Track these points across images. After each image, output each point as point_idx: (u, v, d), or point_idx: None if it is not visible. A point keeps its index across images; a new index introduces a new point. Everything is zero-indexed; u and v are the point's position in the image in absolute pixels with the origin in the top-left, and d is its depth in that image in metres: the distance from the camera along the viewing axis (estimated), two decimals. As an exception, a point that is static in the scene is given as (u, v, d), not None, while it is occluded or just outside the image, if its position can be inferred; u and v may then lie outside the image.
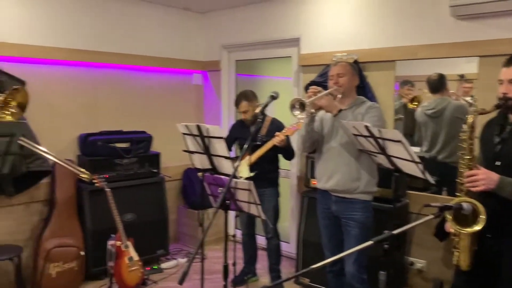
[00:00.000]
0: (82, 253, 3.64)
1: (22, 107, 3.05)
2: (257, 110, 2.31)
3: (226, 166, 2.78)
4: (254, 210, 2.68)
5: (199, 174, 2.88)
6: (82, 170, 2.76)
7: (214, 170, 2.86)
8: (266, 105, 2.35)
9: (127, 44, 4.27)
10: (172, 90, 4.76)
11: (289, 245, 4.42)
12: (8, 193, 3.42)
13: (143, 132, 4.27)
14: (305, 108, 2.37)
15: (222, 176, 2.74)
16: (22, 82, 3.41)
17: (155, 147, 4.30)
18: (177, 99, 4.81)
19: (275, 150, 3.34)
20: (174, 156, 4.70)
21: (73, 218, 3.73)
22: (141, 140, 4.12)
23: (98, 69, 4.11)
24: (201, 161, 2.95)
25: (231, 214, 4.78)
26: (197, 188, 4.66)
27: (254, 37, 4.49)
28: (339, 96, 2.60)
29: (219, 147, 2.71)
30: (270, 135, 3.38)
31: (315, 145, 2.76)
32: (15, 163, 2.25)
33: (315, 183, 2.89)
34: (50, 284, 3.49)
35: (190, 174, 4.79)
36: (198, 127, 2.77)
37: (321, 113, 2.70)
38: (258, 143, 3.41)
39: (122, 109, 4.32)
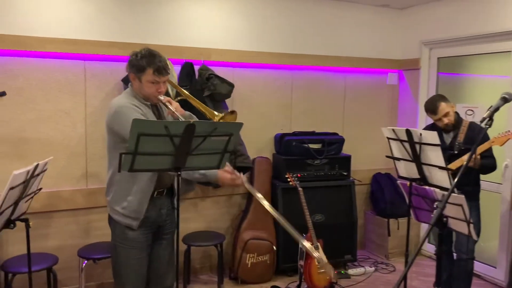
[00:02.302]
0: (274, 247, 3.81)
1: None
2: (485, 115, 1.97)
3: (440, 177, 2.47)
4: (462, 227, 2.35)
5: (407, 183, 2.64)
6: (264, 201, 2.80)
7: (422, 180, 2.59)
8: (497, 109, 1.99)
9: (323, 45, 4.28)
10: (365, 91, 4.60)
11: (495, 270, 3.80)
12: (214, 185, 3.79)
13: (335, 134, 4.24)
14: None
15: (427, 187, 2.47)
16: (231, 85, 3.72)
17: (345, 149, 4.21)
18: (370, 100, 4.63)
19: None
20: (364, 159, 4.56)
21: (267, 213, 3.88)
22: (333, 142, 4.09)
23: (295, 71, 4.23)
24: (407, 169, 2.72)
25: (425, 226, 4.41)
26: (387, 195, 4.42)
27: (461, 32, 4.00)
28: None
29: (434, 156, 2.43)
30: (468, 142, 2.93)
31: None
32: (229, 160, 2.48)
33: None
34: (245, 273, 3.74)
35: (379, 179, 4.57)
36: (408, 132, 2.55)
37: None
38: (455, 152, 3.00)
39: (315, 110, 4.37)
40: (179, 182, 2.46)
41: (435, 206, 2.21)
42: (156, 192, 2.46)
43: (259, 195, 2.58)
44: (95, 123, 3.41)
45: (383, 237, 4.41)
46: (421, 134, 2.48)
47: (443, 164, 2.42)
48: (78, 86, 3.40)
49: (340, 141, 4.15)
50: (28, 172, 2.09)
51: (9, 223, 2.20)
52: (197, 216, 3.90)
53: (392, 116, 4.76)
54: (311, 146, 3.99)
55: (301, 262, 3.54)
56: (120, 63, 3.38)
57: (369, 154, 4.62)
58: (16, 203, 2.16)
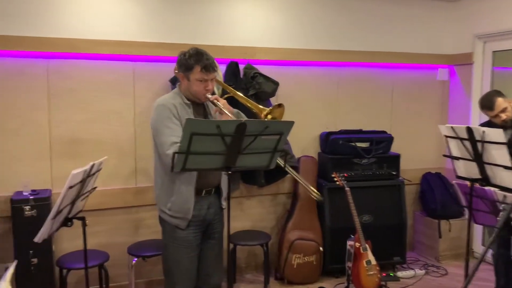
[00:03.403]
0: (321, 248, 3.74)
1: None
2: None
3: (506, 178, 2.31)
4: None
5: (467, 184, 2.51)
6: (313, 189, 2.74)
7: (484, 180, 2.45)
8: None
9: (370, 41, 4.17)
10: (414, 88, 4.44)
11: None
12: (259, 184, 3.77)
13: (383, 132, 4.12)
14: None
15: (486, 188, 2.34)
16: (276, 83, 3.69)
17: (394, 148, 4.08)
18: (419, 97, 4.47)
19: None
20: (413, 158, 4.41)
21: (313, 214, 3.87)
22: (381, 140, 3.97)
23: (341, 68, 4.14)
24: (466, 169, 2.58)
25: (478, 228, 4.21)
26: (438, 195, 4.25)
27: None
28: None
29: (498, 154, 2.28)
30: None
31: None
32: (279, 159, 2.45)
33: None
34: (291, 273, 3.70)
35: (429, 179, 4.40)
36: (469, 130, 2.42)
37: None
38: None
39: (362, 108, 4.26)
40: (229, 181, 2.48)
41: (501, 208, 2.08)
42: (204, 191, 2.47)
43: None
44: (144, 123, 3.47)
45: (433, 238, 4.24)
46: (484, 132, 2.34)
47: (509, 163, 2.27)
48: (127, 87, 3.47)
49: (389, 139, 4.02)
50: (85, 171, 2.15)
51: (67, 221, 2.27)
52: (242, 215, 3.90)
53: (442, 113, 4.57)
54: (359, 144, 3.89)
55: (349, 264, 3.46)
56: (167, 64, 3.43)
57: (418, 152, 4.46)
58: (73, 202, 2.22)
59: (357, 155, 3.89)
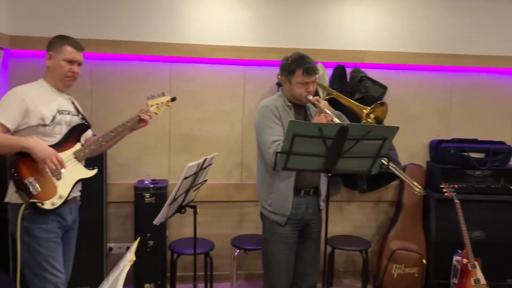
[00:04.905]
0: (424, 261, 3.58)
1: (378, 121, 3.22)
2: None
3: None
4: None
5: None
6: (415, 184, 2.62)
7: None
8: None
9: (488, 45, 3.84)
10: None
11: None
12: (361, 190, 3.74)
13: (502, 143, 3.78)
14: None
15: None
16: (383, 87, 3.62)
17: (515, 160, 3.73)
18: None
19: None
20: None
21: (418, 224, 3.71)
22: (498, 151, 3.65)
23: (455, 73, 3.91)
24: None
25: None
26: None
27: None
28: None
29: None
30: None
31: None
32: (381, 165, 2.42)
33: None
34: (391, 283, 3.59)
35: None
36: None
37: None
38: None
39: (477, 116, 3.96)
40: (329, 184, 2.53)
41: None
42: (302, 191, 2.56)
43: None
44: (251, 124, 3.64)
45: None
46: None
47: None
48: (238, 89, 3.70)
49: (508, 151, 3.68)
50: (198, 164, 2.38)
51: (181, 209, 2.54)
52: (341, 220, 3.89)
53: None
54: (472, 155, 3.63)
55: (454, 280, 3.27)
56: (276, 68, 3.56)
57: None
58: (187, 191, 2.47)
59: (470, 166, 3.63)
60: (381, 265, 3.65)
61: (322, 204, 2.67)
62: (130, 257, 1.35)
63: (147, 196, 3.36)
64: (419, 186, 2.62)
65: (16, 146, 2.08)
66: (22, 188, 2.05)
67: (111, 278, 1.31)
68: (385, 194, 3.90)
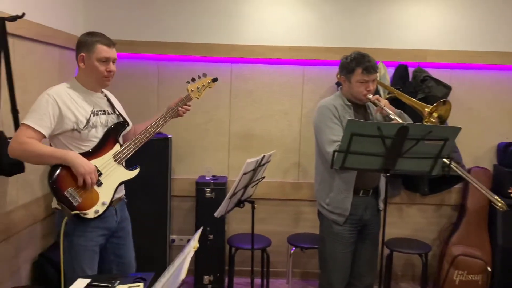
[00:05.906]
0: (489, 268, 3.42)
1: (441, 120, 3.13)
2: None
3: None
4: None
5: None
6: (497, 198, 2.40)
7: None
8: None
9: None
10: None
11: None
12: (422, 192, 3.64)
13: None
14: None
15: None
16: (447, 87, 3.50)
17: None
18: None
19: None
20: None
21: (482, 230, 3.55)
22: None
23: (529, 72, 3.69)
24: None
25: None
26: None
27: None
28: None
29: None
30: None
31: None
32: (443, 166, 2.35)
33: None
34: (452, 290, 3.48)
35: None
36: None
37: None
38: None
39: (553, 118, 3.72)
40: (387, 184, 2.50)
41: None
42: (361, 192, 2.55)
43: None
44: (309, 123, 3.68)
45: None
46: None
47: None
48: (296, 89, 3.74)
49: None
50: (257, 161, 2.46)
51: (240, 203, 2.63)
52: (401, 222, 3.81)
53: None
54: (546, 159, 3.42)
55: (523, 291, 3.09)
56: (334, 67, 3.56)
57: None
58: (246, 187, 2.56)
59: (541, 171, 3.43)
60: (442, 270, 3.53)
61: (382, 205, 2.65)
62: (194, 244, 1.44)
63: (207, 191, 3.50)
64: (501, 200, 2.39)
65: (54, 158, 2.01)
66: (63, 201, 1.99)
67: (176, 262, 1.41)
68: (448, 197, 3.76)
